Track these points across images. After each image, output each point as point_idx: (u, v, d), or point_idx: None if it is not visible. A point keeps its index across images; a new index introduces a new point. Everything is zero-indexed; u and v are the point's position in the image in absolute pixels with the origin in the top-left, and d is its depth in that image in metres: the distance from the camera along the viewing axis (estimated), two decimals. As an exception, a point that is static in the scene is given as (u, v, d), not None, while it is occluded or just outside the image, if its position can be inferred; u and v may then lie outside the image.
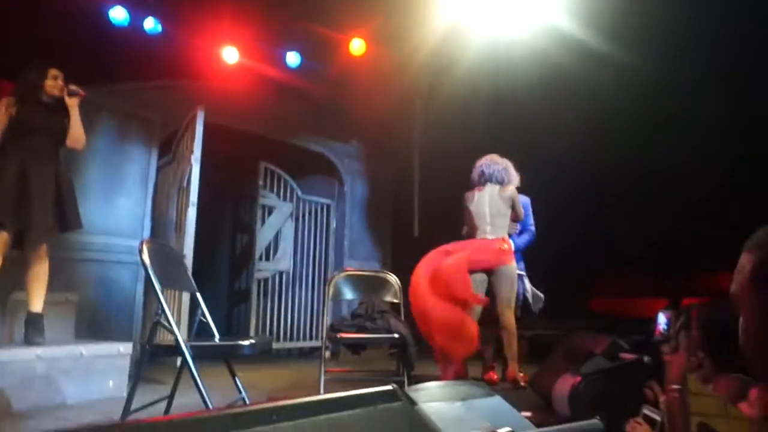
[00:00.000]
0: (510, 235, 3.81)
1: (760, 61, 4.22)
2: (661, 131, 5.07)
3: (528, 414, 1.65)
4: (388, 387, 0.87)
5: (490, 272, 3.57)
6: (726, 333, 1.94)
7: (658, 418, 1.92)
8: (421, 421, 0.87)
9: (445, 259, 3.33)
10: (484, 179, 3.74)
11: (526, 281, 3.98)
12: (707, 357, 1.95)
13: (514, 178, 3.78)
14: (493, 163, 3.75)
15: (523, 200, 4.00)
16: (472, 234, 3.72)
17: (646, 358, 2.27)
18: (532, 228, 4.07)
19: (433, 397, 1.22)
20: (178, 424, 0.57)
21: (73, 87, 3.20)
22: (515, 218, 3.79)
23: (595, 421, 0.95)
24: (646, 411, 1.98)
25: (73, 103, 3.20)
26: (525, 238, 4.03)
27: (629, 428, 1.88)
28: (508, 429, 0.81)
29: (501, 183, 3.70)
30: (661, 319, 2.32)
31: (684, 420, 1.84)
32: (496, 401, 1.15)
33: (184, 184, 4.32)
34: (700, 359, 1.95)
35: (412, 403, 0.92)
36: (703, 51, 4.46)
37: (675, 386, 1.91)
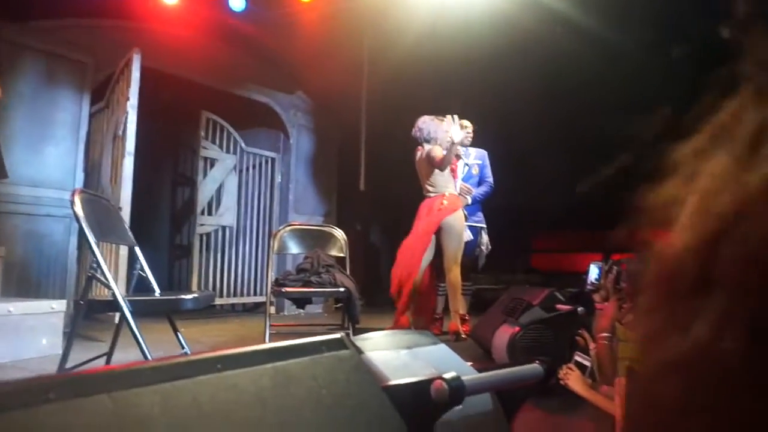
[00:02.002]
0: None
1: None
2: (612, 93, 5.19)
3: (469, 364, 1.71)
4: (336, 336, 0.86)
5: (438, 228, 3.65)
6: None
7: (588, 363, 2.04)
8: (369, 369, 0.88)
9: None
10: (420, 140, 3.85)
11: (485, 234, 4.09)
12: (634, 307, 2.07)
13: (440, 136, 3.79)
14: (422, 122, 3.85)
15: (481, 153, 4.17)
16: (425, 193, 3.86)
17: (579, 309, 2.39)
18: (490, 180, 4.18)
19: (378, 345, 1.23)
20: (119, 375, 0.54)
21: None
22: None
23: (536, 365, 0.99)
24: (578, 358, 2.11)
25: None
26: (483, 189, 4.12)
27: (561, 374, 1.99)
28: (453, 374, 0.83)
29: (428, 142, 3.78)
30: (593, 270, 2.44)
31: (612, 365, 1.96)
32: (442, 349, 1.18)
33: (120, 132, 4.09)
34: (628, 309, 2.07)
35: (359, 351, 0.92)
36: (661, 16, 4.56)
37: (604, 334, 2.03)
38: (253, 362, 0.73)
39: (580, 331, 2.35)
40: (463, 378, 0.91)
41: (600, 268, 2.40)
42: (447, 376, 0.90)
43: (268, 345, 0.78)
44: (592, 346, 2.17)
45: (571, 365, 2.03)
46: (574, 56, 4.87)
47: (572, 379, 1.94)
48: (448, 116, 3.79)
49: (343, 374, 0.84)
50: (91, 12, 4.53)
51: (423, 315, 3.81)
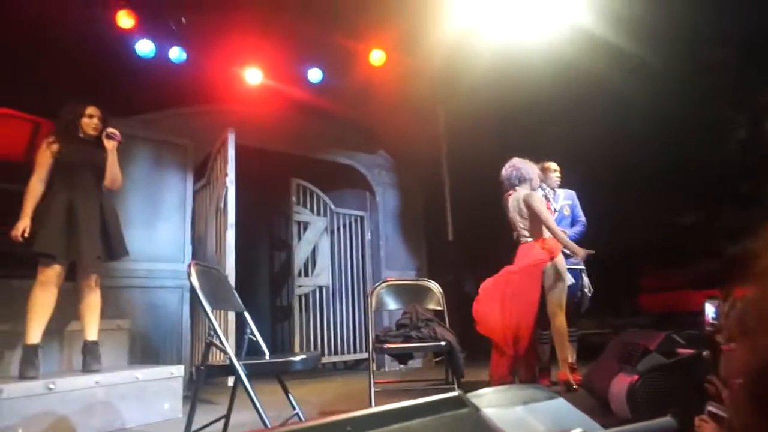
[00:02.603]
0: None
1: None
2: (693, 127, 4.98)
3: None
4: (454, 393, 0.86)
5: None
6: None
7: (724, 414, 1.85)
8: (489, 427, 0.86)
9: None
10: (507, 186, 3.82)
11: (585, 276, 3.93)
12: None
13: (529, 178, 3.76)
14: (509, 167, 3.80)
15: (569, 194, 4.08)
16: (517, 237, 3.79)
17: (704, 353, 2.19)
18: (582, 219, 4.07)
19: (493, 402, 1.20)
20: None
21: (110, 130, 3.28)
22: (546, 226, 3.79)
23: (668, 419, 0.93)
24: (711, 408, 1.91)
25: (111, 147, 3.28)
26: (577, 229, 4.00)
27: (696, 427, 1.82)
28: (580, 430, 0.79)
29: (518, 186, 3.75)
30: (709, 308, 2.25)
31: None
32: (560, 403, 1.13)
33: (221, 206, 4.41)
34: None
35: (477, 408, 0.91)
36: (730, 48, 4.39)
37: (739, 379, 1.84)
38: (380, 423, 0.74)
39: (708, 377, 2.15)
40: (591, 433, 0.87)
41: (716, 306, 2.21)
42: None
43: (391, 406, 0.79)
44: (725, 393, 1.97)
45: (705, 417, 1.85)
46: (641, 91, 4.74)
47: (707, 432, 1.76)
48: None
49: (466, 433, 0.83)
50: (188, 100, 5.05)
51: (525, 366, 3.65)
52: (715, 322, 2.19)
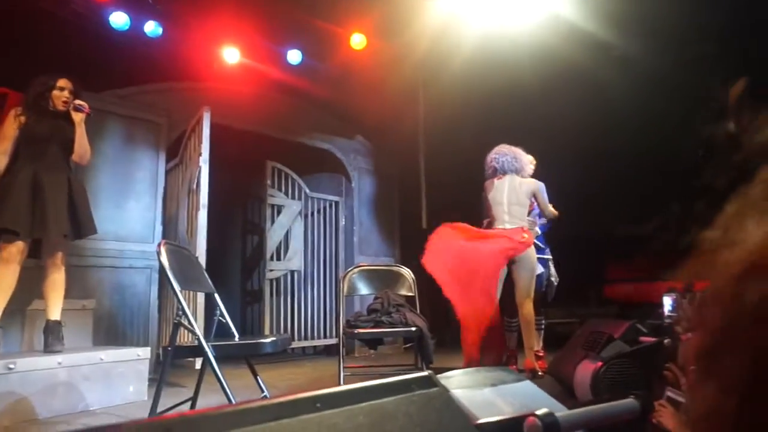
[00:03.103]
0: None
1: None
2: (667, 119, 5.08)
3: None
4: (425, 373, 0.87)
5: (510, 262, 3.57)
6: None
7: (682, 399, 1.91)
8: (458, 406, 0.87)
9: (468, 246, 3.40)
10: (500, 171, 3.76)
11: (552, 266, 3.99)
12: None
13: (526, 165, 3.79)
14: (502, 154, 3.76)
15: (539, 184, 4.04)
16: (491, 223, 3.74)
17: (666, 341, 2.26)
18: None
19: (462, 383, 1.22)
20: (232, 415, 0.57)
21: (78, 102, 3.18)
22: (542, 214, 3.82)
23: (631, 400, 0.95)
24: (670, 393, 1.98)
25: (78, 119, 3.18)
26: (543, 221, 4.04)
27: (654, 412, 1.87)
28: (546, 410, 0.81)
29: (515, 172, 3.71)
30: (667, 301, 2.32)
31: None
32: (527, 386, 1.15)
33: (194, 186, 4.33)
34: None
35: (447, 389, 0.92)
36: (709, 42, 4.47)
37: (695, 367, 1.90)
38: (350, 401, 0.74)
39: (668, 364, 2.22)
40: (556, 414, 0.88)
41: (673, 299, 2.28)
42: (539, 412, 0.88)
43: (362, 384, 0.79)
44: (682, 380, 2.04)
45: (664, 401, 1.91)
46: (619, 81, 4.81)
47: (666, 417, 1.82)
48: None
49: (435, 412, 0.84)
50: (163, 76, 4.92)
51: (492, 351, 3.70)
52: (672, 313, 2.26)
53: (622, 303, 6.25)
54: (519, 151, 3.79)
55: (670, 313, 2.28)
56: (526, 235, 3.56)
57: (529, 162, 3.84)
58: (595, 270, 6.72)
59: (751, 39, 4.35)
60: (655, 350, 2.29)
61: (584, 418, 0.91)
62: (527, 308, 3.52)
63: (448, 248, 3.49)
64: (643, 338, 2.43)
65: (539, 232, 3.92)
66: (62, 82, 3.18)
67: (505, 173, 3.73)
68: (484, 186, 3.82)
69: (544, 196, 3.84)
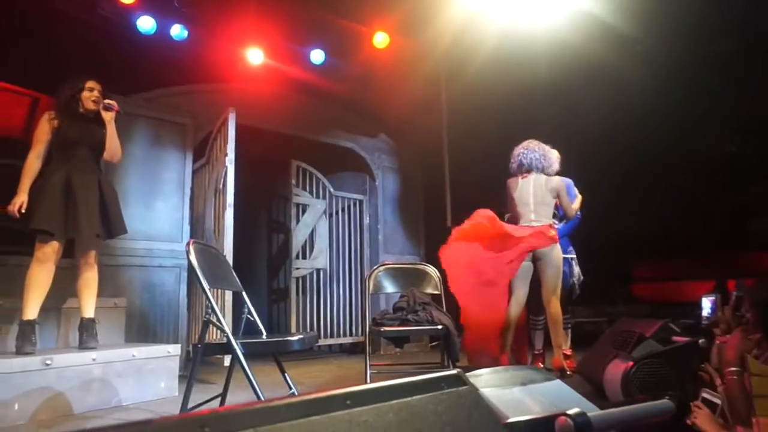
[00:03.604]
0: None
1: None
2: (696, 116, 4.97)
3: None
4: (453, 371, 0.86)
5: (535, 259, 3.53)
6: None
7: (718, 401, 1.87)
8: (488, 405, 0.86)
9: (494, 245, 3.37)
10: (525, 168, 3.69)
11: (575, 266, 3.93)
12: (764, 336, 1.89)
13: (554, 162, 3.73)
14: (530, 151, 3.68)
15: (566, 182, 3.95)
16: (515, 221, 3.69)
17: (701, 341, 2.21)
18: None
19: (490, 382, 1.20)
20: (263, 411, 0.58)
21: (108, 101, 3.25)
22: (565, 213, 3.75)
23: (666, 401, 0.93)
24: (705, 394, 1.93)
25: (108, 118, 3.25)
26: (571, 222, 3.97)
27: (692, 412, 1.83)
28: (578, 410, 0.79)
29: (542, 170, 3.65)
30: (705, 303, 2.27)
31: (746, 402, 1.78)
32: (557, 385, 1.13)
33: (220, 186, 4.39)
34: (756, 339, 1.89)
35: (476, 387, 0.91)
36: (734, 38, 4.36)
37: (733, 368, 1.85)
38: (380, 398, 0.74)
39: (703, 365, 2.16)
40: (589, 414, 0.87)
41: (713, 301, 2.23)
42: (571, 412, 0.86)
43: (391, 382, 0.79)
44: (718, 382, 1.98)
45: (699, 403, 1.87)
46: (642, 78, 4.72)
47: (702, 419, 1.78)
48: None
49: (464, 411, 0.83)
50: (189, 79, 5.00)
51: (518, 351, 3.67)
52: (710, 315, 2.21)
53: (652, 302, 6.13)
54: (548, 149, 3.72)
55: (708, 315, 2.22)
56: (553, 232, 3.50)
57: (556, 159, 3.78)
58: (623, 268, 6.61)
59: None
60: (689, 350, 2.24)
61: (618, 419, 0.89)
62: (554, 306, 3.47)
63: (467, 247, 3.46)
64: (675, 338, 2.38)
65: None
66: (91, 84, 3.25)
67: (531, 171, 3.67)
68: (508, 184, 3.77)
69: (569, 193, 3.78)
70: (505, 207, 3.87)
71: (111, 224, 3.23)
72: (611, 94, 5.00)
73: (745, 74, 4.52)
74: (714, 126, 4.91)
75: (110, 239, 3.41)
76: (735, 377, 1.83)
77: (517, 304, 3.50)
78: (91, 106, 3.23)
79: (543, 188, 3.61)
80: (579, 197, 3.84)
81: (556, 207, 3.78)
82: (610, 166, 5.27)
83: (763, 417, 1.48)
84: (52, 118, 3.16)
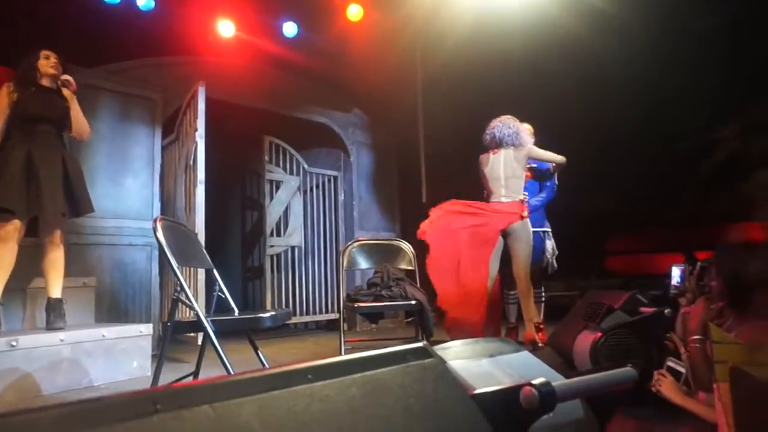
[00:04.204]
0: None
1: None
2: (670, 90, 5.02)
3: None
4: (420, 344, 0.86)
5: (505, 235, 3.56)
6: (744, 281, 1.92)
7: (682, 369, 1.92)
8: (454, 377, 0.86)
9: (465, 227, 3.38)
10: (496, 143, 3.70)
11: (548, 240, 3.97)
12: (727, 305, 1.95)
13: (526, 140, 3.74)
14: (504, 126, 3.69)
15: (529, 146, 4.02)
16: (488, 197, 3.71)
17: (666, 311, 2.26)
18: (552, 183, 4.05)
19: (459, 354, 1.21)
20: (220, 386, 0.56)
21: (65, 77, 3.13)
22: (553, 164, 3.76)
23: (629, 369, 0.94)
24: (670, 363, 1.98)
25: (69, 95, 3.15)
26: (543, 195, 3.99)
27: (654, 380, 1.88)
28: (542, 379, 0.79)
29: (512, 146, 3.66)
30: (675, 272, 2.31)
31: (708, 369, 1.83)
32: (525, 356, 1.14)
33: (191, 162, 4.30)
34: (719, 307, 1.94)
35: (443, 360, 0.90)
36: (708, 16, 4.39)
37: (696, 337, 1.90)
38: (342, 372, 0.73)
39: (668, 334, 2.22)
40: (553, 384, 0.87)
41: (682, 270, 2.27)
42: (536, 382, 0.87)
43: (355, 355, 0.78)
44: (682, 350, 2.04)
45: (664, 371, 1.92)
46: (617, 53, 4.74)
47: (666, 386, 1.83)
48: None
49: (430, 383, 0.83)
50: (157, 51, 4.84)
51: (492, 324, 3.72)
52: (679, 285, 2.25)
53: (624, 275, 6.26)
54: (522, 128, 3.73)
55: (677, 285, 2.27)
56: (525, 213, 3.54)
57: (530, 138, 3.79)
58: (596, 242, 6.72)
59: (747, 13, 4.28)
60: (655, 320, 2.29)
61: (581, 387, 0.90)
62: (525, 281, 3.52)
63: (442, 228, 3.47)
64: (643, 309, 2.43)
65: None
66: (46, 52, 3.13)
67: (501, 146, 3.69)
68: (479, 159, 3.79)
69: (540, 151, 3.76)
70: (479, 185, 3.88)
71: (76, 202, 3.13)
72: (587, 68, 5.01)
73: (720, 49, 4.57)
74: (687, 101, 4.97)
75: (76, 218, 3.31)
76: (698, 345, 1.88)
77: (489, 279, 3.53)
78: (50, 71, 3.11)
79: (513, 162, 3.63)
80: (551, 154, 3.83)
81: (528, 180, 3.82)
82: (585, 139, 5.31)
83: (723, 382, 1.52)
84: (11, 92, 3.03)
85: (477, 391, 0.95)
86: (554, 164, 3.80)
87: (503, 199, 3.59)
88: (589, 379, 0.92)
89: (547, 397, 0.84)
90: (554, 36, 4.79)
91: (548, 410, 0.84)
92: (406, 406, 0.79)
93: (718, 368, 1.77)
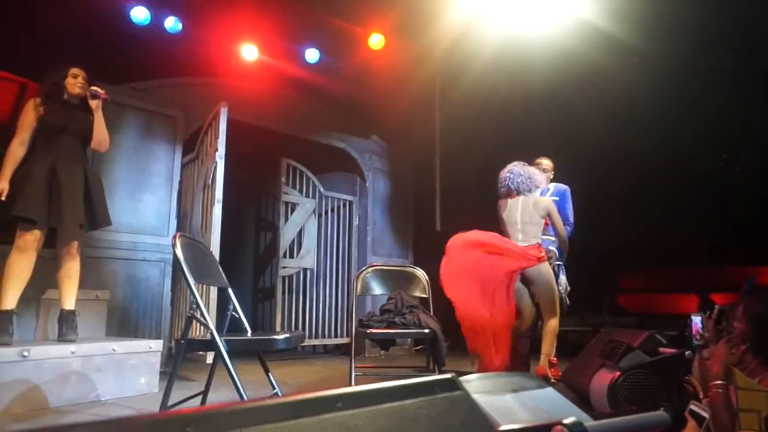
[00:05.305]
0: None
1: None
2: (685, 127, 5.02)
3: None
4: (447, 375, 0.83)
5: (528, 283, 3.56)
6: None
7: (706, 414, 1.85)
8: (482, 412, 0.84)
9: (484, 259, 3.34)
10: (513, 192, 3.72)
11: (562, 275, 3.93)
12: (749, 349, 1.89)
13: (540, 182, 3.79)
14: (515, 175, 3.70)
15: (562, 189, 4.02)
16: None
17: (687, 353, 2.20)
18: (569, 219, 4.04)
19: (482, 388, 1.18)
20: (249, 412, 0.55)
21: (94, 88, 3.20)
22: (558, 234, 3.78)
23: (662, 412, 0.91)
24: (693, 407, 1.92)
25: (95, 106, 3.20)
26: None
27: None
28: (574, 419, 0.77)
29: (529, 192, 3.69)
30: (696, 320, 2.25)
31: (730, 415, 1.77)
32: (549, 393, 1.11)
33: (209, 181, 4.33)
34: (741, 351, 1.88)
35: (469, 393, 0.88)
36: (731, 48, 4.40)
37: (719, 382, 1.84)
38: (371, 402, 0.71)
39: (687, 377, 2.16)
40: (586, 424, 0.84)
41: (702, 318, 2.22)
42: (567, 421, 0.84)
43: (383, 384, 0.76)
44: (701, 394, 1.98)
45: (686, 414, 1.85)
46: (640, 88, 4.75)
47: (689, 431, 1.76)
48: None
49: (458, 417, 0.80)
50: (181, 71, 4.94)
51: (514, 358, 3.66)
52: (702, 333, 2.19)
53: (637, 313, 6.16)
54: (532, 171, 3.75)
55: (701, 332, 2.21)
56: (542, 254, 3.51)
57: (542, 179, 3.84)
58: (609, 279, 6.64)
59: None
60: (675, 362, 2.23)
61: (614, 429, 0.87)
62: (552, 324, 3.51)
63: (463, 253, 3.44)
64: (662, 349, 2.37)
65: (556, 253, 3.87)
66: (74, 71, 3.20)
67: (518, 193, 3.71)
68: (498, 204, 3.81)
69: (566, 199, 3.86)
70: (495, 218, 3.89)
71: (95, 215, 3.16)
72: (612, 104, 5.02)
73: (743, 88, 4.57)
74: (707, 139, 4.95)
75: (94, 230, 3.34)
76: (720, 390, 1.82)
77: (520, 320, 3.53)
78: (77, 91, 3.17)
79: (531, 208, 3.64)
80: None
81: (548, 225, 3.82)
82: (603, 175, 5.29)
83: (749, 430, 1.47)
84: (38, 105, 3.10)
85: (503, 428, 0.92)
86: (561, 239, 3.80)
87: (520, 244, 3.59)
88: (623, 421, 0.89)
89: (579, 437, 0.81)
90: (576, 70, 4.82)
91: (579, 451, 0.82)
92: (434, 440, 0.76)
93: (744, 416, 1.71)
